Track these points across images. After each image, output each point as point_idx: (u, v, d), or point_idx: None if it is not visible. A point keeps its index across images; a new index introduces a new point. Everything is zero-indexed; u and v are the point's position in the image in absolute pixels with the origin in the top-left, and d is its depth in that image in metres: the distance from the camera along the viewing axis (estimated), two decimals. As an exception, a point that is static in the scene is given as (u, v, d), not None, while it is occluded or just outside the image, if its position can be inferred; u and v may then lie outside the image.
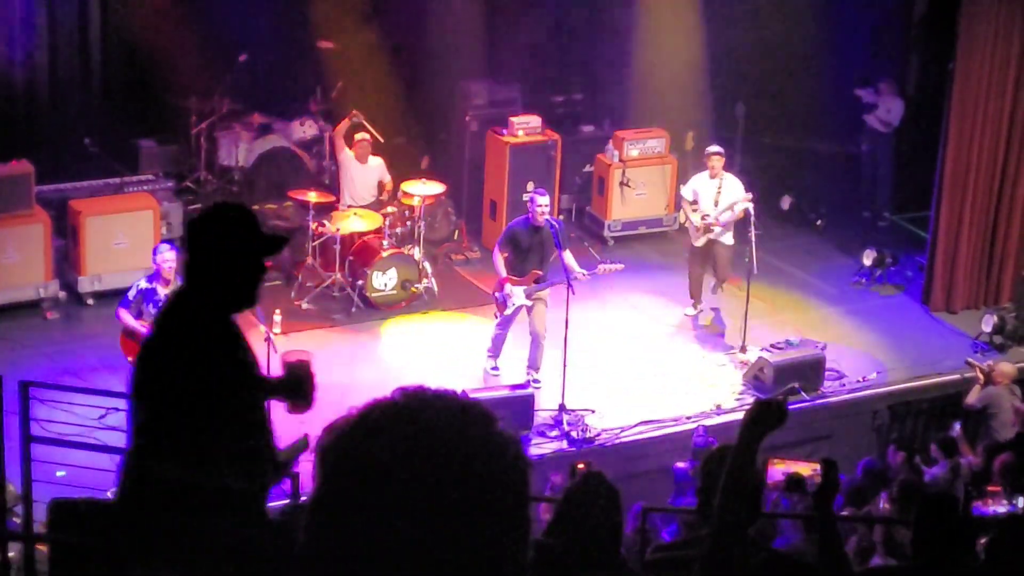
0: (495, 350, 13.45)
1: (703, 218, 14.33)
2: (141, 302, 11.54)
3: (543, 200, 13.09)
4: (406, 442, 1.77)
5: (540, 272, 13.15)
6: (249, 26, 16.01)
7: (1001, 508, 8.18)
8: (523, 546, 1.81)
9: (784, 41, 17.24)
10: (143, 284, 11.58)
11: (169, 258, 11.49)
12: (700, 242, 14.45)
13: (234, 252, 4.77)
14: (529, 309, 13.19)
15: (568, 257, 13.01)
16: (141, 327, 11.44)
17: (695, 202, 14.44)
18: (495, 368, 13.45)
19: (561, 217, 15.38)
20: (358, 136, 15.01)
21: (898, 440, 12.59)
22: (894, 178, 17.39)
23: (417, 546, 1.74)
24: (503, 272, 13.15)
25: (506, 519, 1.79)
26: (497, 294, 13.29)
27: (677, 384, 13.62)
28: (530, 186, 14.98)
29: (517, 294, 13.11)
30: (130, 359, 11.68)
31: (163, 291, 11.47)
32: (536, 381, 13.19)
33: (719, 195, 14.25)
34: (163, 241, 12.91)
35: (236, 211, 4.87)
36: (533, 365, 13.29)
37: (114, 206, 14.62)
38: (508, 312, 13.23)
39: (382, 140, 15.17)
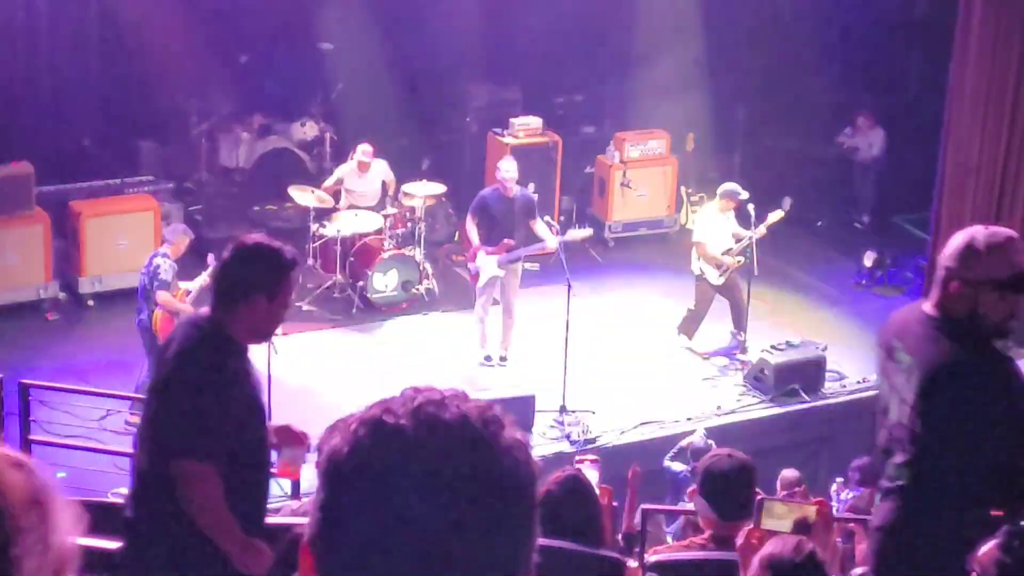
0: (482, 340, 13.50)
1: (725, 254, 13.76)
2: (175, 277, 11.92)
3: (505, 166, 13.23)
4: (414, 449, 1.76)
5: (512, 242, 13.22)
6: (250, 27, 16.00)
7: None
8: (530, 550, 1.81)
9: (784, 43, 17.23)
10: (173, 264, 11.91)
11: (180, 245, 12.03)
12: (722, 279, 13.86)
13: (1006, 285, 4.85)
14: (502, 282, 13.25)
15: (540, 226, 13.13)
16: (184, 305, 11.67)
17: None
18: (487, 359, 13.56)
19: (562, 218, 15.38)
20: (360, 149, 14.95)
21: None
22: (880, 187, 17.27)
23: (425, 550, 1.74)
24: (475, 240, 13.24)
25: (515, 525, 1.78)
26: (470, 265, 13.39)
27: (678, 385, 13.61)
28: (531, 187, 14.97)
29: (489, 264, 13.18)
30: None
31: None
32: (503, 359, 13.31)
33: (735, 228, 13.83)
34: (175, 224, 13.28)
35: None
36: (504, 341, 13.40)
37: (114, 207, 14.61)
38: (481, 284, 13.30)
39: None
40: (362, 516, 1.75)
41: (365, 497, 1.75)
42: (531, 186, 15.11)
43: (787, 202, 16.91)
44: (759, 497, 5.05)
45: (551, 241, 13.14)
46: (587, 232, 13.45)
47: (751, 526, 4.93)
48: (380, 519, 1.74)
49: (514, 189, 13.24)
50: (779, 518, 4.87)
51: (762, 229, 13.85)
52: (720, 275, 13.87)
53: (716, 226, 13.85)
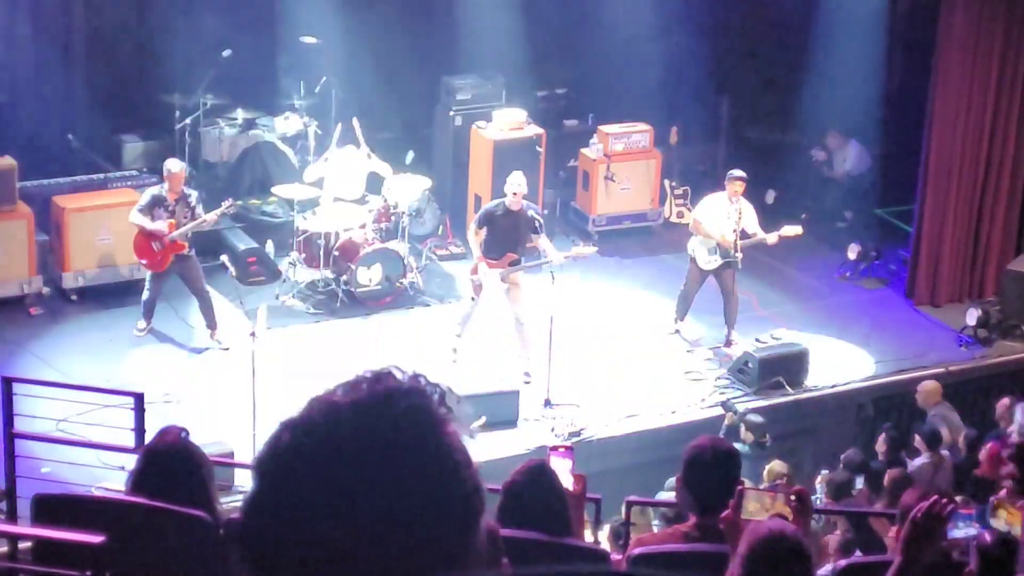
0: (462, 326, 13.45)
1: (724, 243, 13.74)
2: (154, 207, 13.18)
3: (515, 180, 13.13)
4: (336, 437, 1.76)
5: (515, 255, 13.18)
6: (232, 21, 15.97)
7: (972, 530, 7.90)
8: (474, 528, 1.78)
9: (769, 36, 17.23)
10: (155, 191, 13.30)
11: (181, 175, 13.34)
12: (713, 265, 13.88)
13: None
14: (506, 293, 13.21)
15: (544, 242, 13.08)
16: (157, 227, 13.10)
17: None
18: (458, 338, 13.45)
19: (545, 212, 15.37)
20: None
21: (888, 431, 12.43)
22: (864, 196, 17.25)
23: (352, 541, 1.73)
24: (477, 252, 13.19)
25: (445, 511, 1.76)
26: (472, 276, 13.34)
27: (662, 378, 13.63)
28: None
29: (491, 276, 13.14)
30: (143, 262, 13.37)
31: (172, 199, 13.24)
32: (527, 374, 13.21)
33: (740, 220, 13.75)
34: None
35: None
36: (522, 350, 13.30)
37: (98, 202, 14.57)
38: (480, 297, 13.26)
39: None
40: (287, 506, 1.75)
41: (287, 506, 1.75)
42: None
43: (771, 195, 16.98)
44: (740, 487, 5.07)
45: (556, 257, 13.06)
46: (591, 249, 13.39)
47: (728, 511, 4.95)
48: (306, 506, 1.74)
49: (521, 203, 13.16)
50: (757, 511, 4.88)
51: (774, 236, 13.91)
52: (710, 262, 13.89)
53: (717, 210, 13.85)
